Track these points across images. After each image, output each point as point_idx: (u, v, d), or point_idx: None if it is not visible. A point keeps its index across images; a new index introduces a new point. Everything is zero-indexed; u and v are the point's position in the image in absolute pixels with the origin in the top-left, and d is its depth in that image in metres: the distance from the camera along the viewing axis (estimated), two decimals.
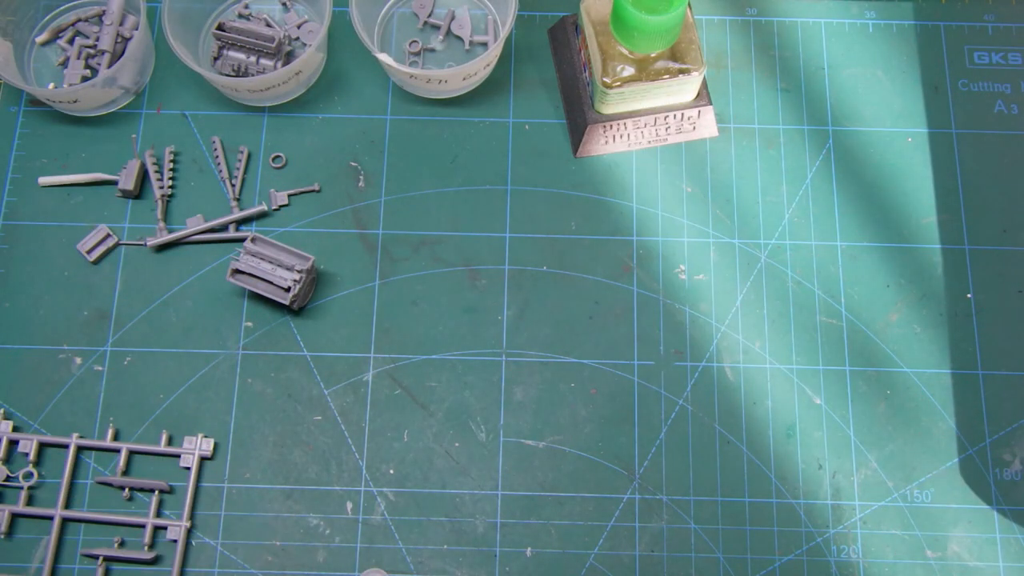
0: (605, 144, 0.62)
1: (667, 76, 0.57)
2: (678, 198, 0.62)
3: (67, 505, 0.56)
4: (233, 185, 0.61)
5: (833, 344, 0.59)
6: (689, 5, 0.57)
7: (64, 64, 0.64)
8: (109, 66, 0.62)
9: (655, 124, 0.61)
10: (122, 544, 0.55)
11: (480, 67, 0.60)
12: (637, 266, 0.60)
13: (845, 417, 0.58)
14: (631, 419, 0.58)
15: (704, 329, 0.59)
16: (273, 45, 0.62)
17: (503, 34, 0.59)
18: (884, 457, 0.57)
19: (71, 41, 0.64)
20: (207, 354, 0.59)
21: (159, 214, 0.61)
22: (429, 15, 0.65)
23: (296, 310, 0.59)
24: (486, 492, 0.56)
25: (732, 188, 0.62)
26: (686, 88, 0.58)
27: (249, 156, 0.62)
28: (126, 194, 0.61)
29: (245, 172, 0.62)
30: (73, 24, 0.64)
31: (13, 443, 0.56)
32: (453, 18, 0.65)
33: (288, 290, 0.56)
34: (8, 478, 0.56)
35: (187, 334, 0.59)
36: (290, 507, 0.56)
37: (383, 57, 0.59)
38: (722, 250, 0.61)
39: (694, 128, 0.62)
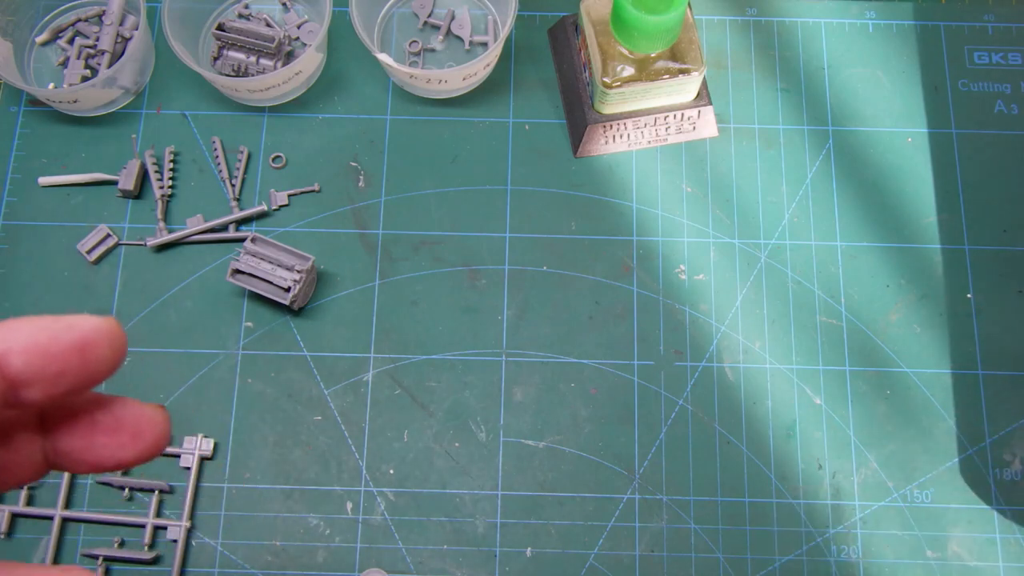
0: (605, 144, 0.62)
1: (667, 76, 0.57)
2: (678, 198, 0.62)
3: (67, 505, 0.56)
4: (233, 185, 0.61)
5: (833, 344, 0.59)
6: (689, 5, 0.57)
7: (64, 64, 0.64)
8: (109, 66, 0.62)
9: (655, 124, 0.61)
10: (122, 544, 0.55)
11: (480, 67, 0.60)
12: (637, 266, 0.60)
13: (845, 417, 0.58)
14: (631, 419, 0.58)
15: (704, 329, 0.59)
16: (273, 45, 0.62)
17: (503, 34, 0.59)
18: (884, 457, 0.57)
19: (71, 41, 0.64)
20: (207, 354, 0.59)
21: (159, 214, 0.61)
22: (429, 15, 0.65)
23: (296, 310, 0.59)
24: (486, 492, 0.56)
25: (732, 188, 0.62)
26: (686, 88, 0.58)
27: (249, 156, 0.62)
28: (126, 194, 0.61)
29: (245, 172, 0.62)
30: (73, 24, 0.64)
31: None
32: (453, 18, 0.65)
33: (288, 290, 0.56)
34: None
35: (187, 334, 0.59)
36: (290, 507, 0.56)
37: (383, 57, 0.59)
38: (722, 250, 0.61)
39: (694, 128, 0.62)
